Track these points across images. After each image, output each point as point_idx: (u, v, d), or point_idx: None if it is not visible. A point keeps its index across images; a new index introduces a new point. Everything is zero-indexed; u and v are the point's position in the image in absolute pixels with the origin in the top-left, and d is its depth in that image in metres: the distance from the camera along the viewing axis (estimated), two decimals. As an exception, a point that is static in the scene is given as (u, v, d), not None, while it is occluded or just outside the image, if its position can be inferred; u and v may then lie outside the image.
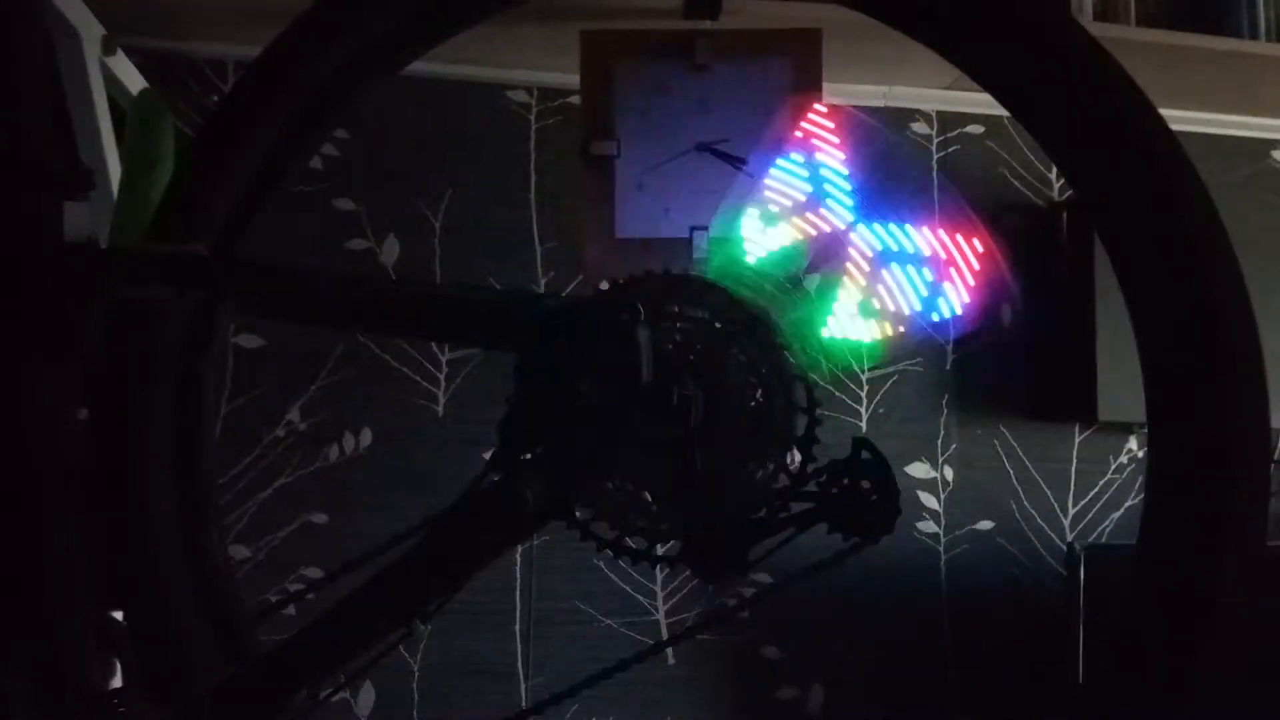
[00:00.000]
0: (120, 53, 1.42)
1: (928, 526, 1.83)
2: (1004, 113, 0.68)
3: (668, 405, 0.60)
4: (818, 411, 0.63)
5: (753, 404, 0.62)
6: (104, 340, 0.68)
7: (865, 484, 0.61)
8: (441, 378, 1.72)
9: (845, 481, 0.61)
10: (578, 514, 0.62)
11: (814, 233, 1.47)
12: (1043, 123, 0.67)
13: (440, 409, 1.72)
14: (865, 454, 0.61)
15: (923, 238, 1.57)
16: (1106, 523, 1.89)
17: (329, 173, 1.72)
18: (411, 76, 1.71)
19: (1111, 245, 0.66)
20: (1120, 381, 1.71)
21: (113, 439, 0.69)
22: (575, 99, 1.66)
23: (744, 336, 0.63)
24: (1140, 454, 1.90)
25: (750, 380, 0.63)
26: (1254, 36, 1.75)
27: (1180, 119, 1.92)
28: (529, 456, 0.61)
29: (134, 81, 1.46)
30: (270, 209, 0.73)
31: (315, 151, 1.65)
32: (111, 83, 1.39)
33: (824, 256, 1.51)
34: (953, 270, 1.57)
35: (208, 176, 0.72)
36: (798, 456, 0.63)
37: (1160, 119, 0.64)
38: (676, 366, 0.61)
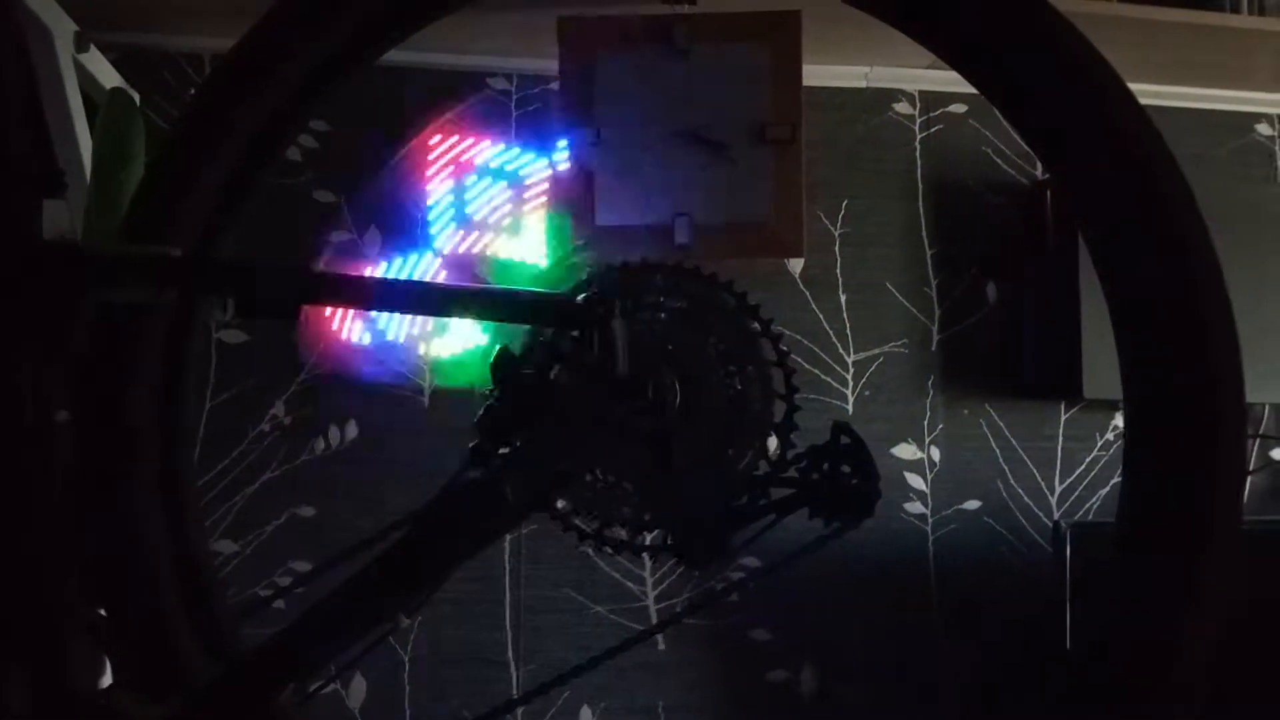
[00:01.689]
0: (94, 49, 1.40)
1: (915, 507, 1.84)
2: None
3: (645, 396, 0.60)
4: (796, 397, 0.63)
5: (731, 392, 0.63)
6: (85, 340, 0.68)
7: (845, 468, 0.62)
8: (426, 369, 1.72)
9: (825, 466, 0.62)
10: (559, 506, 0.62)
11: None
12: (1014, 106, 0.67)
13: (425, 400, 1.72)
14: (844, 438, 0.62)
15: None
16: (1093, 500, 1.90)
17: (309, 164, 1.71)
18: (390, 65, 1.70)
19: (1086, 229, 0.66)
20: (1106, 359, 1.69)
21: (95, 439, 0.69)
22: (555, 86, 1.65)
23: (721, 325, 0.63)
24: (1126, 431, 1.90)
25: (728, 368, 0.63)
26: (1236, 10, 1.75)
27: (1164, 94, 1.92)
28: (508, 450, 0.61)
29: (108, 78, 1.45)
30: (250, 202, 0.73)
31: (291, 144, 1.64)
32: (85, 79, 1.38)
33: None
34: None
35: (182, 174, 0.71)
36: (777, 443, 0.63)
37: (1133, 98, 0.64)
38: (654, 357, 0.61)
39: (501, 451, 0.60)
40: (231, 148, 0.72)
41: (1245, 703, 1.43)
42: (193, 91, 1.66)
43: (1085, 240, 0.66)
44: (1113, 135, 0.63)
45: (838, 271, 1.85)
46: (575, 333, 0.60)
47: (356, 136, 1.72)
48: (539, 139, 1.72)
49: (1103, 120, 0.62)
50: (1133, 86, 0.63)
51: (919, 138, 1.90)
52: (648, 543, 0.64)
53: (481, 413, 0.61)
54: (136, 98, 1.32)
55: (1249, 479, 1.75)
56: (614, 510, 0.62)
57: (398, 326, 1.64)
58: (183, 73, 1.68)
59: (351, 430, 1.69)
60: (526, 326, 0.63)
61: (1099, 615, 0.64)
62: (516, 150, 1.71)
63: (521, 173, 1.71)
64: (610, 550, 0.64)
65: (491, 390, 0.61)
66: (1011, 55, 0.65)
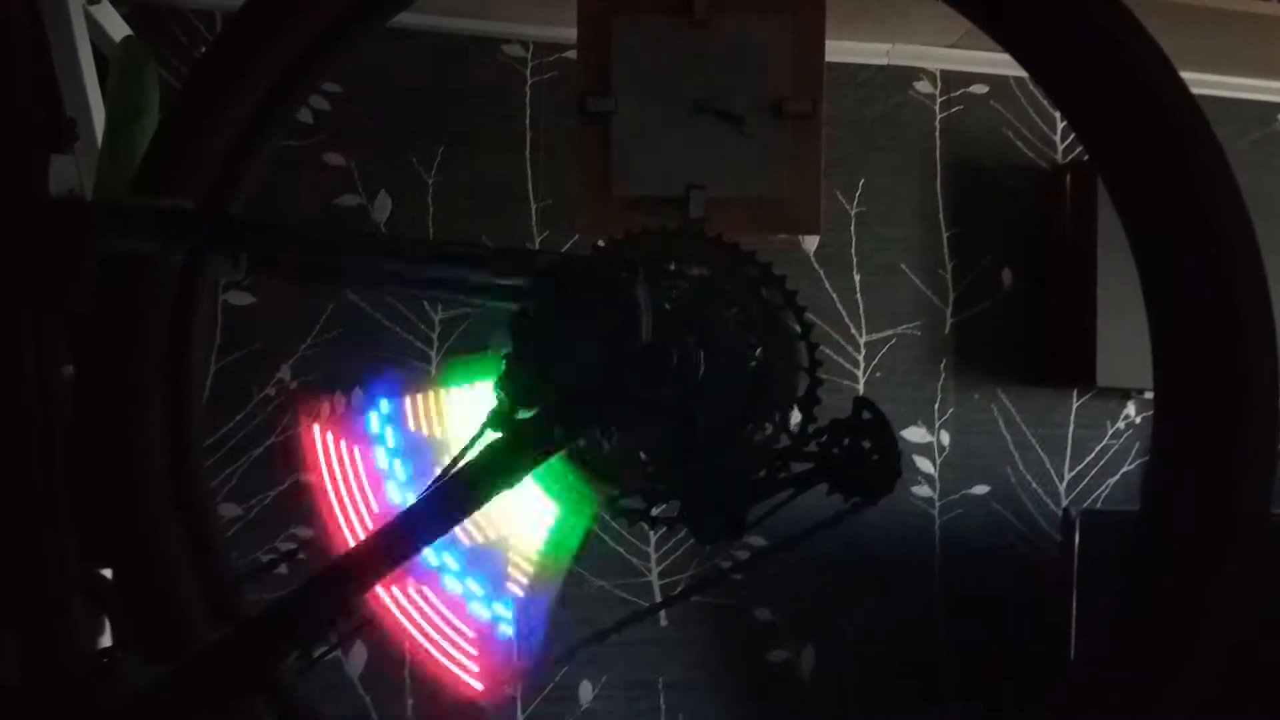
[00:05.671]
0: (105, 1, 1.38)
1: (923, 490, 1.83)
2: (1009, 73, 0.66)
3: (667, 365, 0.59)
4: (819, 371, 0.62)
5: (753, 363, 0.61)
6: (92, 296, 0.67)
7: (866, 444, 0.60)
8: (434, 337, 1.71)
9: (846, 441, 0.61)
10: (574, 474, 0.61)
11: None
12: (1058, 80, 0.66)
13: (432, 368, 1.70)
14: (866, 414, 0.60)
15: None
16: (1102, 488, 1.89)
17: (320, 127, 1.69)
18: (405, 29, 1.68)
19: (1123, 207, 0.64)
20: (1120, 346, 1.70)
21: (100, 396, 0.68)
22: (572, 54, 1.63)
23: (744, 294, 0.62)
24: (1138, 420, 1.89)
25: (750, 339, 0.62)
26: (1267, -2, 1.72)
27: (1188, 81, 1.88)
28: (525, 415, 0.60)
29: (119, 31, 1.43)
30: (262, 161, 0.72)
31: (305, 103, 1.62)
32: (96, 32, 1.36)
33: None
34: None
35: (194, 128, 0.70)
36: (798, 416, 0.62)
37: (1179, 77, 0.62)
38: (676, 325, 0.60)
39: (519, 416, 0.59)
40: (245, 103, 0.70)
41: (1258, 695, 1.42)
42: (204, 48, 1.64)
43: (1125, 230, 0.64)
44: (1158, 121, 0.61)
45: (852, 251, 1.83)
46: (598, 299, 0.59)
47: (369, 99, 1.70)
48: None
49: (1151, 107, 0.61)
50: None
51: (939, 118, 1.88)
52: (661, 514, 0.63)
53: (499, 376, 0.60)
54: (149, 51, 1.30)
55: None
56: (629, 479, 0.61)
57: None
58: (194, 29, 1.66)
59: (358, 397, 1.68)
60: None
61: (1114, 603, 0.63)
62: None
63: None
64: (623, 520, 0.63)
65: (509, 353, 0.60)
66: (1055, 32, 0.64)
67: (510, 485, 0.59)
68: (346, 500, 0.64)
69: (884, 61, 1.85)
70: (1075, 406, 1.89)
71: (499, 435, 0.59)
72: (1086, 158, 1.77)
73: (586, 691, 1.71)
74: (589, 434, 0.59)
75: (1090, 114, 0.64)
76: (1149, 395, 1.74)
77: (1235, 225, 0.62)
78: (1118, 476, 1.89)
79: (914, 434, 1.83)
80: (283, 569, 1.12)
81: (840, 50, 1.78)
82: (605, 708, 1.72)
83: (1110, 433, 1.90)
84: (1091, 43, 0.62)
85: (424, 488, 0.61)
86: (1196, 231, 0.61)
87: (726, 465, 0.61)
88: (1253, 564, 0.59)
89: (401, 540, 0.59)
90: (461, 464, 0.59)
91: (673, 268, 0.62)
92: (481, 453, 0.58)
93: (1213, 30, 1.72)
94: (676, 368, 0.59)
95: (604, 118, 1.42)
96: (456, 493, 0.59)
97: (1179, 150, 0.61)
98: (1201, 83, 1.93)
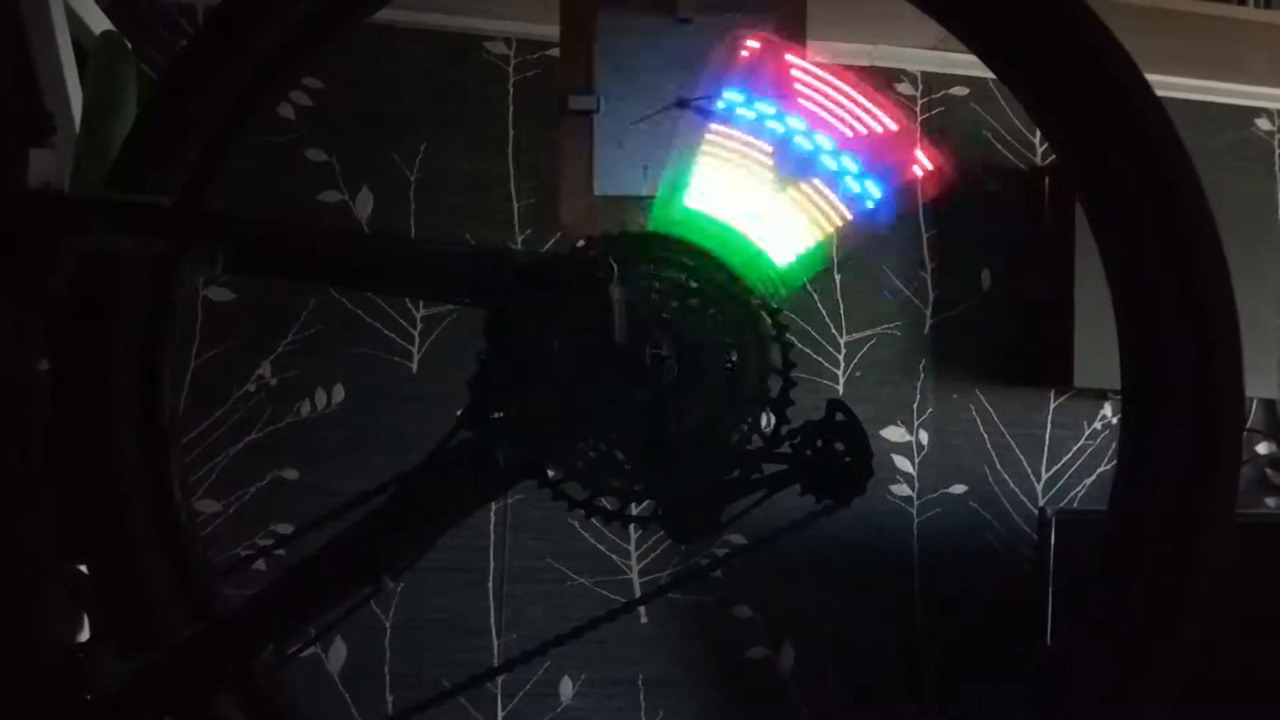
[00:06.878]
0: (85, -6, 1.37)
1: (901, 489, 1.84)
2: (989, 75, 0.67)
3: (641, 365, 0.59)
4: (792, 373, 0.62)
5: (728, 365, 0.62)
6: (69, 290, 0.66)
7: (839, 446, 0.61)
8: (415, 334, 1.71)
9: (819, 443, 0.61)
10: (549, 473, 0.62)
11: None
12: (1028, 86, 0.67)
13: (414, 365, 1.70)
14: (839, 416, 0.61)
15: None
16: (1079, 488, 1.90)
17: (302, 123, 1.68)
18: (388, 25, 1.67)
19: (1093, 213, 0.65)
20: (1097, 347, 1.71)
21: (76, 391, 0.67)
22: (555, 51, 1.63)
23: (720, 297, 0.62)
24: (1115, 420, 1.91)
25: (725, 341, 0.62)
26: (1241, 2, 1.74)
27: (1165, 84, 1.91)
28: (500, 415, 0.60)
29: (98, 24, 1.42)
30: (241, 160, 0.71)
31: (284, 99, 1.62)
32: (75, 26, 1.35)
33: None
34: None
35: (171, 123, 0.70)
36: (772, 418, 0.62)
37: (1146, 84, 0.63)
38: (651, 326, 0.60)
39: (493, 415, 0.60)
40: (223, 98, 0.70)
41: (1228, 692, 1.44)
42: (184, 42, 1.63)
43: (1091, 227, 0.65)
44: (1128, 126, 0.62)
45: (833, 251, 1.83)
46: (574, 298, 0.59)
47: (351, 96, 1.70)
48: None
49: (1119, 110, 0.62)
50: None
51: (920, 119, 1.89)
52: (637, 513, 0.63)
53: (474, 375, 0.60)
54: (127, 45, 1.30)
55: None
56: (605, 480, 0.61)
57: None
58: (174, 23, 1.65)
59: (338, 393, 1.68)
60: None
61: (1086, 603, 0.63)
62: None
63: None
64: (599, 520, 0.63)
65: (485, 352, 0.60)
66: (1025, 38, 0.64)
67: (489, 490, 0.59)
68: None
69: (866, 62, 1.86)
70: (1053, 407, 1.91)
71: (471, 435, 0.59)
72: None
73: (567, 688, 1.72)
74: (563, 436, 0.59)
75: (1063, 123, 0.65)
76: (1125, 396, 1.76)
77: (1204, 232, 0.62)
78: (1094, 476, 1.90)
79: (893, 433, 1.84)
80: (261, 564, 1.12)
81: (822, 50, 1.78)
82: (585, 704, 1.72)
83: (1087, 433, 1.91)
84: (1068, 56, 0.63)
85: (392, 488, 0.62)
86: (1166, 240, 0.62)
87: (701, 466, 0.61)
88: (1222, 561, 0.60)
89: (373, 541, 0.60)
90: (432, 463, 0.59)
91: (650, 269, 0.62)
92: (454, 451, 0.59)
93: (1190, 34, 1.74)
94: (650, 368, 0.59)
95: (587, 116, 1.42)
96: (428, 495, 0.59)
97: (1149, 157, 0.62)
98: (1179, 86, 1.95)
